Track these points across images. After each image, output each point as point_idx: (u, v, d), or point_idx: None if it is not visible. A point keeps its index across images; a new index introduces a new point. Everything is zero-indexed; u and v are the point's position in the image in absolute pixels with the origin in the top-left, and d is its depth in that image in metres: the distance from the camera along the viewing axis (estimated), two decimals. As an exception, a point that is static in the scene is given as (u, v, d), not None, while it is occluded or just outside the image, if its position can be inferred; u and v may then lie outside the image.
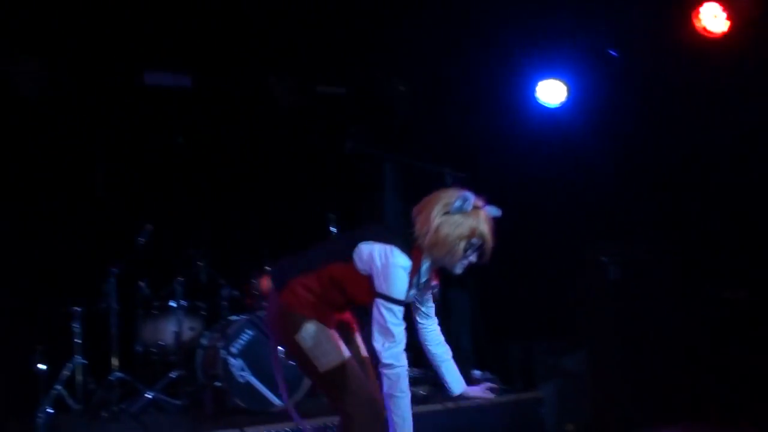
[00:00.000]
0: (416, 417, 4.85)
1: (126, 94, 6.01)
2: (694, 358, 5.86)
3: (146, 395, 5.23)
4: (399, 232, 3.03)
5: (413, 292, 3.07)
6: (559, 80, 6.05)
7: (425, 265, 3.05)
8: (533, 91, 6.09)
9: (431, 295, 3.27)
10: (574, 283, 6.06)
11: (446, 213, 2.96)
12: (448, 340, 5.66)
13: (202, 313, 5.66)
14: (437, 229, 2.95)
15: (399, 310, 2.94)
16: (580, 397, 5.58)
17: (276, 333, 3.17)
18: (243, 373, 5.04)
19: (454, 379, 3.27)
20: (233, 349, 5.03)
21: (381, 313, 2.93)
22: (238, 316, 5.34)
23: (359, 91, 6.74)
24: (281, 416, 4.86)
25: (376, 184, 6.37)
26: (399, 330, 2.94)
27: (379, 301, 2.94)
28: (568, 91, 6.05)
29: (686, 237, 5.86)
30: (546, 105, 6.09)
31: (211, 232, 5.97)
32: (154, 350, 5.46)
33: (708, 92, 5.47)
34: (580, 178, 6.10)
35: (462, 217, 2.95)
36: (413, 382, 5.01)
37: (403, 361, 2.95)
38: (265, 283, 5.50)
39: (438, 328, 3.33)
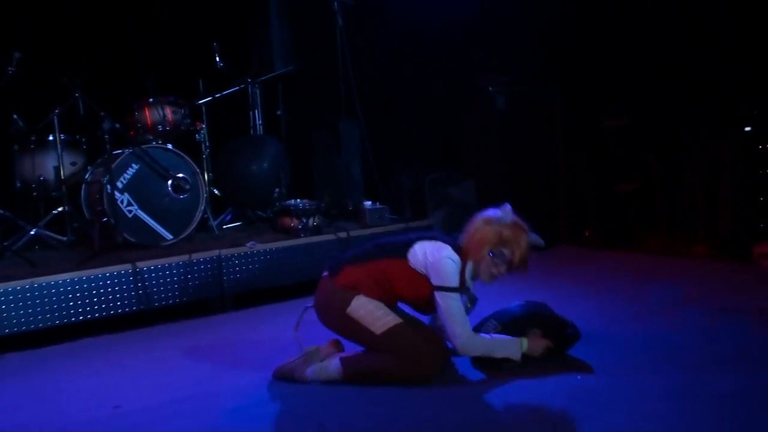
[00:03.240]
0: (310, 246, 5.00)
1: None
2: (574, 184, 6.15)
3: (30, 232, 5.09)
4: (450, 240, 3.38)
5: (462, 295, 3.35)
6: None
7: (468, 269, 3.36)
8: None
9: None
10: (462, 113, 6.14)
11: (488, 223, 3.32)
12: (341, 173, 5.70)
13: (83, 147, 5.43)
14: (474, 233, 3.32)
15: (455, 296, 3.27)
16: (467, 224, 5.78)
17: (327, 312, 3.44)
18: (131, 208, 4.95)
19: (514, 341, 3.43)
20: (119, 184, 4.91)
21: (441, 303, 3.27)
22: (121, 149, 5.16)
23: None
24: (172, 249, 4.86)
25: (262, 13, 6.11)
26: (460, 312, 3.27)
27: (438, 294, 3.28)
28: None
29: (568, 69, 5.98)
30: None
31: (88, 60, 5.62)
32: (35, 186, 5.25)
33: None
34: (470, 8, 6.04)
35: (497, 225, 3.30)
36: (307, 213, 5.09)
37: (471, 341, 3.29)
38: (148, 113, 5.31)
39: None
